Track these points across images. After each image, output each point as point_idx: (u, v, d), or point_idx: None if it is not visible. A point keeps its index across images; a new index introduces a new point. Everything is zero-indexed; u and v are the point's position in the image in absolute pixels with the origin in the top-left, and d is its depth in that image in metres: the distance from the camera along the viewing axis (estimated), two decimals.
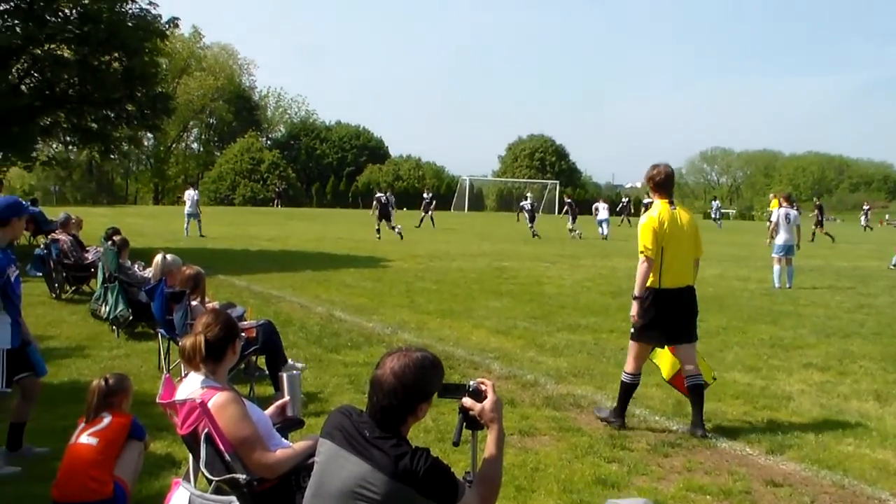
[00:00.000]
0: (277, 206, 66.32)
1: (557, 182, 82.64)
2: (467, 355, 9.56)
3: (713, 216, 55.87)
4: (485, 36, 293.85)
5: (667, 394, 7.87)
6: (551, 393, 7.98)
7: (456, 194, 77.86)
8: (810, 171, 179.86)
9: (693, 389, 6.88)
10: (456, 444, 3.36)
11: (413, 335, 10.88)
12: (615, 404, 7.07)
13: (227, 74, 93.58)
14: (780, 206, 18.56)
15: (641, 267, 6.93)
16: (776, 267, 17.63)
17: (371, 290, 15.26)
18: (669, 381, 7.25)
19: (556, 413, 7.27)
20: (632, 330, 7.06)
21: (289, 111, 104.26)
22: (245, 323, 7.68)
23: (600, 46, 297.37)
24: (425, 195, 43.00)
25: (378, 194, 31.89)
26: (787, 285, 17.14)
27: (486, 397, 3.29)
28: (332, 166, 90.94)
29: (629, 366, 7.05)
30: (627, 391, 7.01)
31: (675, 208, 7.05)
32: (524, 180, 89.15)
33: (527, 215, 38.11)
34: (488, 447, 3.27)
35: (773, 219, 18.73)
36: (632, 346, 7.08)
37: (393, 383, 3.10)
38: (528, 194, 50.31)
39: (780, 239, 17.67)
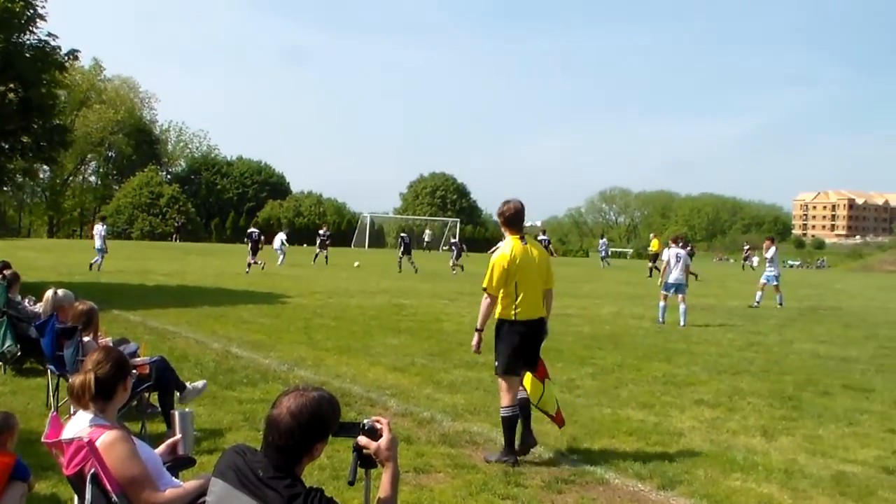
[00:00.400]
0: (176, 240, 65.27)
1: (458, 220, 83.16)
2: (364, 392, 9.51)
3: (601, 254, 55.34)
4: (388, 74, 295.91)
5: (562, 431, 7.96)
6: (447, 430, 7.98)
7: (357, 231, 77.70)
8: (705, 212, 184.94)
9: (521, 404, 7.22)
10: (351, 483, 3.34)
11: (310, 372, 10.78)
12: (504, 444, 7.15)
13: (128, 107, 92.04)
14: (669, 246, 19.19)
15: (484, 303, 7.32)
16: (662, 304, 18.51)
17: (269, 326, 15.10)
18: (536, 404, 7.37)
19: (452, 450, 7.27)
20: (496, 365, 7.32)
21: (190, 145, 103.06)
22: (138, 360, 7.51)
23: (504, 86, 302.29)
24: (321, 232, 42.97)
25: (250, 230, 33.55)
26: (681, 323, 17.64)
27: (381, 436, 3.28)
28: (233, 201, 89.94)
29: (504, 400, 7.22)
30: (510, 426, 7.11)
31: (526, 243, 7.30)
32: (425, 218, 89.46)
33: (454, 250, 40.10)
34: (383, 486, 3.26)
35: (665, 258, 19.46)
36: (501, 382, 7.28)
37: (290, 423, 3.07)
38: (427, 231, 51.26)
39: (670, 277, 18.44)
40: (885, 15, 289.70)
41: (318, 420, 3.11)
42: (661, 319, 18.30)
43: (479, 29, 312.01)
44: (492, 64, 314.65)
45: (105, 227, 30.97)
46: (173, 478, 4.13)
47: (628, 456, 7.23)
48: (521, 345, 7.19)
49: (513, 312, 7.19)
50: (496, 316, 7.36)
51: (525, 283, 7.18)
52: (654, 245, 43.18)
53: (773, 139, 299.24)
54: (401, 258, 37.30)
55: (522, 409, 7.23)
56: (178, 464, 4.32)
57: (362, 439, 3.27)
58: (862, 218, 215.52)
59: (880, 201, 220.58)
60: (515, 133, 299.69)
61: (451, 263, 37.99)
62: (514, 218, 7.39)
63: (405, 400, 9.27)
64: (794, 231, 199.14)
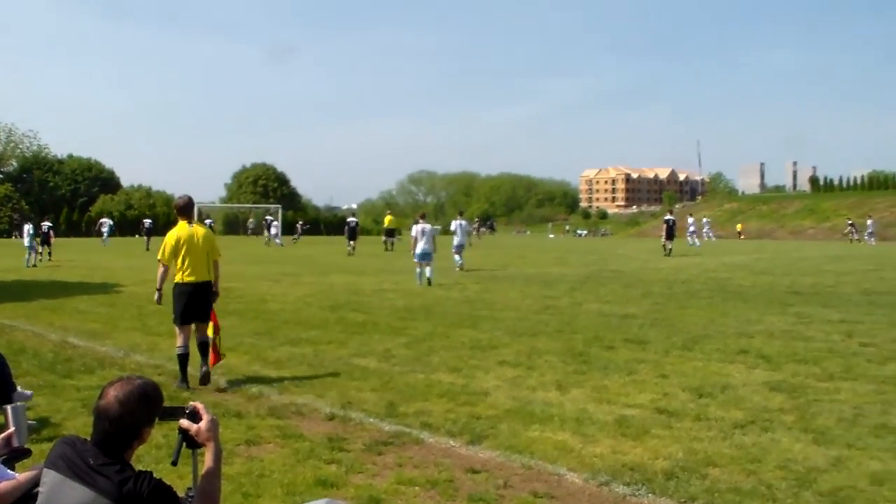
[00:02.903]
0: (15, 237, 61.85)
1: (280, 206, 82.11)
2: (196, 372, 9.25)
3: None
4: (211, 67, 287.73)
5: (379, 397, 8.06)
6: (275, 403, 7.92)
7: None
8: (503, 190, 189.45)
9: (202, 346, 8.80)
10: (174, 463, 3.28)
11: (145, 356, 10.47)
12: (180, 375, 8.76)
13: None
14: (417, 222, 22.07)
15: (160, 269, 9.07)
16: (417, 270, 20.91)
17: (104, 315, 14.52)
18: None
19: (280, 422, 7.23)
20: (173, 317, 8.95)
21: (20, 146, 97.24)
22: None
23: (319, 78, 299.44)
24: (146, 222, 48.19)
25: (43, 223, 33.31)
26: (430, 283, 20.36)
27: (201, 418, 3.25)
28: (66, 197, 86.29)
29: (177, 342, 8.88)
30: (183, 361, 8.79)
31: (192, 226, 8.95)
32: (249, 205, 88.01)
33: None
34: (206, 463, 3.23)
35: (413, 234, 21.95)
36: (175, 328, 8.96)
37: (119, 410, 3.00)
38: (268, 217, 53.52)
39: (419, 248, 20.94)
40: (651, 8, 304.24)
41: (145, 405, 3.06)
42: (418, 282, 20.58)
43: (294, 24, 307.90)
44: (310, 58, 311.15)
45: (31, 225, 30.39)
46: (8, 470, 3.94)
47: (440, 416, 7.37)
48: (188, 301, 8.79)
49: (181, 277, 8.85)
50: (174, 280, 8.96)
51: (189, 255, 8.81)
52: (387, 221, 45.62)
53: (559, 122, 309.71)
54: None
55: (203, 350, 8.81)
56: (13, 456, 4.13)
57: (184, 422, 3.23)
58: (637, 190, 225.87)
59: (651, 175, 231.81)
60: (328, 123, 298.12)
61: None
62: (182, 207, 9.05)
63: (235, 377, 9.13)
64: (581, 204, 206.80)
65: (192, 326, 8.91)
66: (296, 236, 59.61)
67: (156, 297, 9.32)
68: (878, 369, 9.44)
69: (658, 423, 7.09)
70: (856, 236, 62.17)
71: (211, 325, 8.90)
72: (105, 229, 50.87)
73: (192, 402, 3.34)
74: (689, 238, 44.70)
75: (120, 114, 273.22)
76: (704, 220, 63.81)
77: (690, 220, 47.04)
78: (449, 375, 9.16)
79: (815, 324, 13.26)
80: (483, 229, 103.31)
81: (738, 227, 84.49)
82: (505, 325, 13.08)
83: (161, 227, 48.34)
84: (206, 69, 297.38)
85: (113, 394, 3.04)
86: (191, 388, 8.53)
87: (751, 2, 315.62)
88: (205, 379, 8.66)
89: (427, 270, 20.64)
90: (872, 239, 57.97)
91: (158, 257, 8.93)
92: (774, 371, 9.35)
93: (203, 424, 3.23)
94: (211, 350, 8.86)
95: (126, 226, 73.27)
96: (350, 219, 42.04)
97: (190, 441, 3.26)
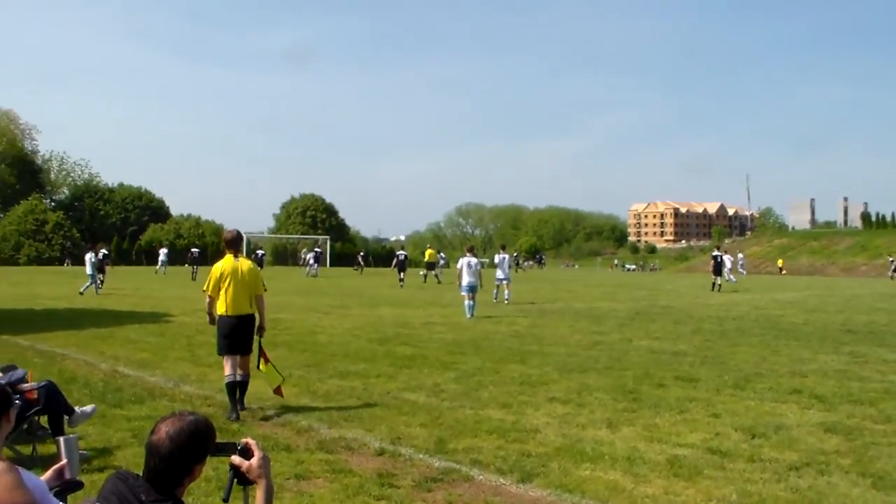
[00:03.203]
0: (67, 265, 63.06)
1: (328, 237, 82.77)
2: (246, 405, 9.32)
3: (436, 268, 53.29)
4: (259, 100, 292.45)
5: (429, 432, 8.00)
6: (324, 437, 7.90)
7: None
8: (551, 223, 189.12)
9: (241, 385, 8.89)
10: (225, 500, 3.27)
11: (195, 387, 10.53)
12: (230, 406, 8.82)
13: (10, 139, 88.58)
14: (465, 255, 22.17)
15: (207, 300, 9.16)
16: (466, 303, 20.89)
17: (154, 344, 14.66)
18: (274, 391, 9.16)
19: (329, 456, 7.20)
20: (217, 347, 9.15)
21: (72, 174, 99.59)
22: (26, 385, 7.18)
23: (367, 111, 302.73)
24: (193, 251, 48.90)
25: (100, 251, 33.08)
26: (469, 315, 20.54)
27: (253, 455, 3.24)
28: (116, 226, 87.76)
29: (226, 370, 8.96)
30: (231, 390, 8.85)
31: (238, 259, 9.11)
32: (297, 236, 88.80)
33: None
34: (258, 500, 3.21)
35: (459, 266, 22.01)
36: (223, 360, 9.06)
37: (169, 447, 3.00)
38: (317, 248, 55.80)
39: (465, 281, 21.08)
40: (689, 42, 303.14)
41: (196, 443, 3.05)
42: (468, 315, 20.57)
43: (345, 56, 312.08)
44: (356, 90, 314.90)
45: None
46: (60, 503, 3.96)
47: (490, 453, 7.29)
48: (230, 333, 8.94)
49: (223, 309, 9.00)
50: (216, 312, 9.11)
51: (232, 288, 8.97)
52: (427, 255, 46.01)
53: (607, 155, 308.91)
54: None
55: (242, 387, 8.96)
56: (65, 488, 4.14)
57: (236, 458, 3.22)
58: (685, 224, 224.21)
59: (700, 210, 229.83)
60: (377, 156, 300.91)
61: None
62: (230, 241, 9.32)
63: (284, 410, 9.14)
64: (629, 238, 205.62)
65: (237, 359, 9.04)
66: (357, 267, 60.15)
67: (208, 319, 9.42)
68: None
69: (710, 463, 6.94)
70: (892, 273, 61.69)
71: (261, 360, 9.02)
72: (162, 258, 52.82)
73: (244, 439, 3.33)
74: (725, 274, 44.93)
75: (170, 143, 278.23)
76: (740, 255, 64.46)
77: (736, 256, 47.60)
78: (499, 411, 9.08)
79: (871, 363, 12.96)
80: (529, 262, 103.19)
81: (780, 262, 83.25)
82: (554, 361, 12.96)
83: (210, 257, 49.61)
84: (254, 100, 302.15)
85: (164, 430, 3.03)
86: (241, 419, 8.61)
87: (802, 34, 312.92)
88: (236, 413, 8.80)
89: (470, 303, 20.94)
90: None
91: (204, 288, 9.18)
92: (829, 412, 9.13)
93: (255, 462, 3.22)
94: (271, 387, 9.17)
95: (175, 255, 74.29)
96: (400, 252, 42.39)
97: (241, 478, 3.25)
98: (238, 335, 9.00)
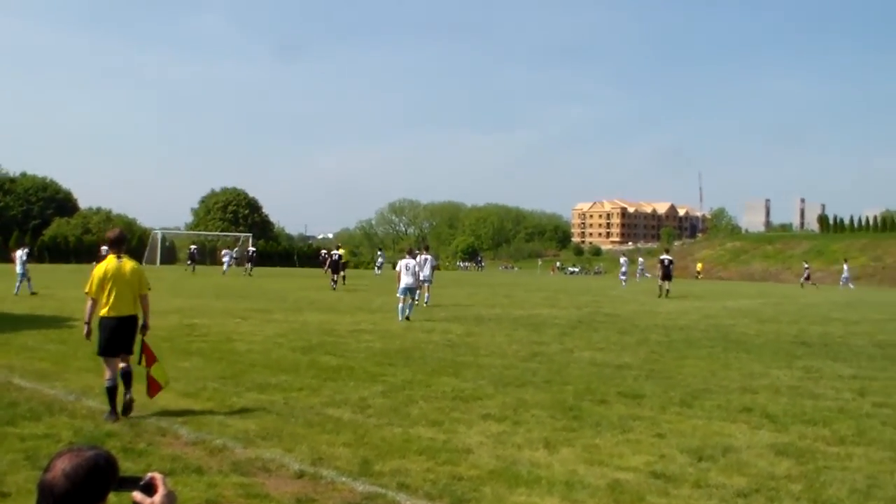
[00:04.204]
0: None
1: (251, 235, 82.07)
2: (155, 421, 9.17)
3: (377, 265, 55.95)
4: (174, 87, 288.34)
5: (353, 452, 7.97)
6: (239, 457, 7.80)
7: (148, 248, 75.34)
8: (490, 222, 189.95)
9: (123, 375, 9.34)
10: None
11: (98, 401, 10.26)
12: (110, 407, 9.23)
13: None
14: (404, 257, 23.73)
15: (88, 303, 9.52)
16: (400, 305, 22.24)
17: (55, 352, 14.33)
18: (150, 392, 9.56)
19: (245, 479, 7.11)
20: (97, 348, 9.50)
21: None
22: None
23: (292, 103, 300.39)
24: (103, 249, 47.44)
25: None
26: (402, 318, 21.75)
27: (157, 491, 3.18)
28: (17, 219, 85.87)
29: (106, 374, 9.33)
30: (111, 395, 9.23)
31: (121, 260, 9.52)
32: (218, 233, 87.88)
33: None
34: None
35: (397, 269, 23.25)
36: (103, 363, 9.47)
37: (65, 486, 2.91)
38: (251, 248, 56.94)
39: (403, 283, 22.42)
40: (644, 34, 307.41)
41: (95, 481, 2.96)
42: (400, 317, 21.91)
43: (273, 49, 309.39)
44: (283, 79, 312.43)
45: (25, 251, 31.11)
46: None
47: (418, 476, 7.28)
48: (112, 335, 9.34)
49: (105, 311, 9.36)
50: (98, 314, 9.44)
51: (116, 289, 9.37)
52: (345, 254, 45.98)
53: (552, 151, 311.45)
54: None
55: (126, 379, 9.36)
56: None
57: (137, 496, 3.15)
58: (633, 225, 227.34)
59: (648, 210, 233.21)
60: (306, 149, 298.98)
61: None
62: (114, 241, 9.75)
63: (197, 427, 8.99)
64: (573, 239, 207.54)
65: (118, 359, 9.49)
66: (247, 267, 58.70)
67: (84, 330, 9.76)
68: (893, 433, 9.41)
69: (654, 489, 7.04)
70: (807, 280, 63.47)
71: (144, 357, 9.50)
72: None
73: (149, 473, 3.26)
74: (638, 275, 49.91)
75: (80, 130, 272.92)
76: (640, 260, 68.61)
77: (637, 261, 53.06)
78: (429, 430, 9.08)
79: (825, 379, 13.28)
80: (466, 264, 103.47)
81: (699, 266, 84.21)
82: (490, 374, 13.02)
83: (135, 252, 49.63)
84: (170, 86, 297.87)
85: (60, 467, 2.94)
86: (119, 418, 9.11)
87: (758, 32, 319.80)
88: (128, 408, 9.27)
89: (408, 307, 22.15)
90: (850, 284, 61.41)
91: (86, 290, 9.53)
92: (780, 433, 9.32)
93: (157, 499, 3.14)
94: (148, 381, 9.53)
95: (83, 252, 72.76)
96: (334, 251, 42.33)
97: None
98: (120, 336, 9.46)
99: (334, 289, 37.97)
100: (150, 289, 9.91)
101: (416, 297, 22.93)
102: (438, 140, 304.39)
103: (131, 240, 74.45)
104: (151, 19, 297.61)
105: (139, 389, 9.53)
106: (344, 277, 42.33)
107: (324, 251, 40.69)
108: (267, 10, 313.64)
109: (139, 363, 9.50)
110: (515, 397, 11.08)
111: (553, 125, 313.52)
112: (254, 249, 62.82)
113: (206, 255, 78.91)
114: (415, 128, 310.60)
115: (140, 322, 9.73)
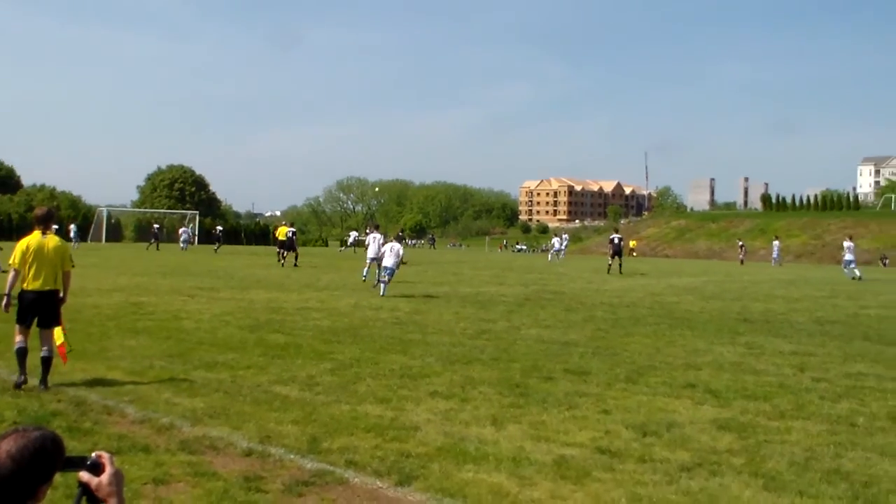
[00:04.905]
0: None
1: (197, 212, 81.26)
2: (101, 400, 9.08)
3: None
4: (121, 63, 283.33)
5: (301, 430, 7.97)
6: (187, 436, 7.76)
7: (94, 225, 74.32)
8: (438, 200, 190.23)
9: (44, 361, 9.69)
10: None
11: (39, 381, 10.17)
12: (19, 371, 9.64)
13: None
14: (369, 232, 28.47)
15: (10, 274, 9.94)
16: (366, 269, 27.48)
17: None
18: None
19: (192, 457, 7.08)
20: (17, 317, 9.95)
21: None
22: None
23: (240, 78, 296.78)
24: (72, 228, 50.67)
25: None
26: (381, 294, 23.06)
27: (104, 470, 3.14)
28: None
29: (17, 339, 9.79)
30: (21, 356, 9.64)
31: (45, 236, 9.92)
32: (164, 211, 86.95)
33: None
34: None
35: (367, 241, 27.64)
36: (16, 328, 9.90)
37: (11, 467, 2.87)
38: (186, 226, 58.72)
39: (370, 253, 26.76)
40: (593, 12, 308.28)
41: (42, 462, 2.93)
42: (364, 277, 27.41)
43: (222, 20, 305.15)
44: (230, 57, 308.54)
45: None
46: None
47: (366, 453, 7.30)
48: (30, 307, 9.78)
49: (26, 284, 9.79)
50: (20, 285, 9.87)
51: (36, 264, 9.78)
52: (280, 233, 45.70)
53: (500, 130, 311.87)
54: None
55: (46, 365, 9.73)
56: None
57: (84, 475, 3.12)
58: (580, 203, 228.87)
59: (595, 188, 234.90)
60: (252, 127, 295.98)
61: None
62: (41, 218, 10.13)
63: (143, 406, 8.92)
64: (521, 216, 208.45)
65: (35, 330, 9.88)
66: (217, 246, 59.27)
67: (3, 302, 10.17)
68: (830, 407, 9.64)
69: (600, 464, 7.13)
70: (742, 257, 69.04)
71: (58, 329, 9.98)
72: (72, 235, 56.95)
73: (95, 452, 3.23)
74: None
75: (23, 105, 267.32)
76: (564, 236, 70.41)
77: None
78: (377, 407, 9.10)
79: (766, 355, 13.53)
80: (419, 241, 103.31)
81: (632, 243, 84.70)
82: (437, 351, 13.07)
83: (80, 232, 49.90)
84: (117, 61, 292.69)
85: (5, 448, 2.89)
86: (27, 381, 9.55)
87: (703, 12, 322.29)
88: (24, 379, 9.65)
89: (381, 285, 23.80)
90: (779, 262, 63.95)
91: (10, 262, 9.95)
92: (723, 408, 9.49)
93: (104, 478, 3.11)
94: (59, 349, 9.95)
95: (26, 229, 71.37)
96: (290, 229, 42.21)
97: (90, 495, 3.16)
98: (39, 309, 9.83)
99: (282, 265, 37.97)
100: (73, 266, 10.40)
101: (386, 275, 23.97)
102: (387, 118, 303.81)
103: (77, 217, 73.58)
104: None
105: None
106: (283, 256, 41.98)
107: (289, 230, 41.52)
108: None
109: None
110: (463, 375, 11.14)
111: (501, 104, 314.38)
112: (220, 229, 64.26)
113: (151, 234, 78.23)
114: (363, 107, 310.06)
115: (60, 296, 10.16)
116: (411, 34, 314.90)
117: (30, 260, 9.79)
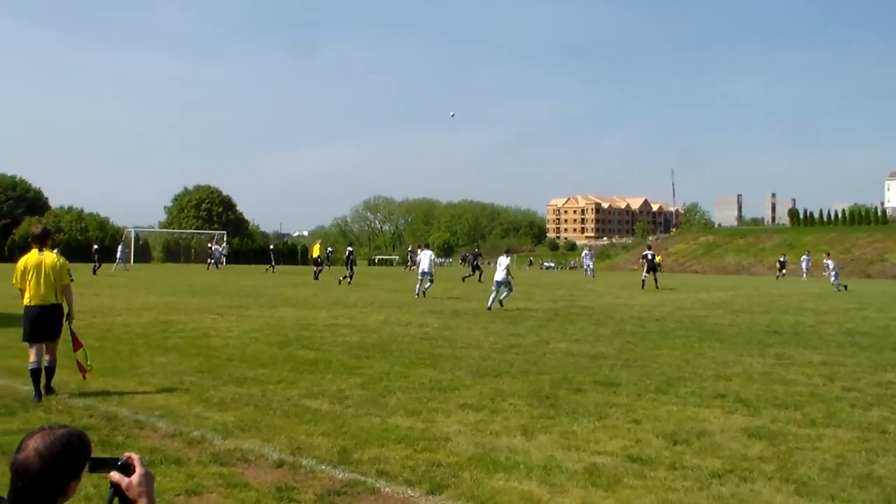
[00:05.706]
0: None
1: (225, 233, 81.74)
2: (132, 414, 9.16)
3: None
4: (149, 87, 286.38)
5: (332, 442, 7.99)
6: (218, 448, 7.81)
7: (121, 246, 74.99)
8: (466, 218, 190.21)
9: (48, 370, 10.20)
10: None
11: (74, 396, 10.27)
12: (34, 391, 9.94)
13: None
14: (422, 250, 30.78)
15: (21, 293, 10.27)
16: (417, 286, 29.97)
17: (27, 349, 14.19)
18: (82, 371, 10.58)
19: (224, 469, 7.13)
20: (22, 335, 10.30)
21: None
22: None
23: (262, 98, 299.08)
24: (95, 246, 51.83)
25: None
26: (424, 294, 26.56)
27: (134, 471, 3.17)
28: None
29: (31, 358, 10.10)
30: (35, 376, 10.00)
31: (42, 254, 10.30)
32: (191, 231, 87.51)
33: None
34: None
35: (418, 258, 29.14)
36: (29, 347, 10.19)
37: (40, 465, 2.89)
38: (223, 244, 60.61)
39: (421, 268, 30.57)
40: (615, 32, 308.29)
41: (70, 458, 2.95)
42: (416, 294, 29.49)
43: (244, 45, 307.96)
44: (256, 76, 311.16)
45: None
46: None
47: (397, 463, 7.32)
48: (35, 322, 10.14)
49: (27, 300, 10.20)
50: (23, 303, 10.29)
51: (34, 281, 10.15)
52: (315, 250, 49.03)
53: (526, 148, 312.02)
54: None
55: (49, 373, 10.30)
56: None
57: (115, 475, 3.15)
58: (607, 220, 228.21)
59: (623, 205, 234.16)
60: (279, 147, 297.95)
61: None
62: (37, 237, 10.51)
63: (174, 420, 8.99)
64: (548, 234, 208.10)
65: (43, 346, 10.26)
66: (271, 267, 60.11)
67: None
68: (861, 415, 9.57)
69: (630, 472, 7.11)
70: (783, 272, 64.60)
71: (72, 342, 10.52)
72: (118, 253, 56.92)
73: (127, 453, 3.26)
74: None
75: (50, 129, 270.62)
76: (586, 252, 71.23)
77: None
78: (407, 419, 9.12)
79: (796, 366, 13.44)
80: (447, 261, 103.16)
81: (658, 258, 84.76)
82: (467, 365, 13.07)
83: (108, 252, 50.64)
84: (144, 85, 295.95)
85: (33, 446, 2.92)
86: (42, 400, 9.83)
87: (727, 30, 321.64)
88: (48, 390, 10.19)
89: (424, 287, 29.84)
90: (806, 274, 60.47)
91: (13, 282, 10.44)
92: (753, 416, 9.44)
93: (135, 479, 3.14)
94: (77, 365, 10.55)
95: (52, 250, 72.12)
96: (349, 248, 44.51)
97: (121, 496, 3.19)
98: (43, 323, 10.21)
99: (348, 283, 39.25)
100: (71, 280, 10.90)
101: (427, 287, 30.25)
102: (413, 137, 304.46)
103: (104, 238, 74.25)
104: (120, 17, 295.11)
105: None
106: (318, 272, 43.06)
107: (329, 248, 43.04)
108: (239, 9, 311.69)
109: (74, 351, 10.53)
110: (492, 387, 11.14)
111: (526, 121, 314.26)
112: (273, 247, 71.37)
113: (181, 253, 78.80)
114: (388, 125, 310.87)
115: (65, 311, 10.56)
116: (437, 54, 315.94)
117: (29, 277, 10.21)
